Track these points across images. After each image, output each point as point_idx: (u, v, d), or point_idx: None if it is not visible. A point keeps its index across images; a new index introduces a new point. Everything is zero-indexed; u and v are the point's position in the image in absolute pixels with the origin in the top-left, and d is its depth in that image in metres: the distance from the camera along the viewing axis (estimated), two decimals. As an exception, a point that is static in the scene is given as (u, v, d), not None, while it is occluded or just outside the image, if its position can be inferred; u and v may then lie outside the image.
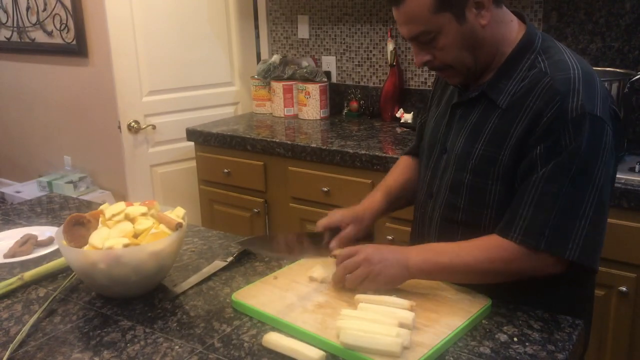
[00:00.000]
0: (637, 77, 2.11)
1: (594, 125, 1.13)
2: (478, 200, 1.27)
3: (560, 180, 1.13)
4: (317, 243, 1.38)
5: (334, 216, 1.41)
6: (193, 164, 3.07)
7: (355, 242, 1.40)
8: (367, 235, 1.46)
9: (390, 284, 1.22)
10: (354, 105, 3.11)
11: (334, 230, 1.40)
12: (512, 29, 1.26)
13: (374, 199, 1.50)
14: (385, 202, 1.50)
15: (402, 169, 1.60)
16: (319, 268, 1.35)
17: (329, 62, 3.22)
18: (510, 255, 1.17)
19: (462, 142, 1.29)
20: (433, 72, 2.89)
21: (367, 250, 1.24)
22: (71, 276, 1.40)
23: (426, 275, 1.23)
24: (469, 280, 1.23)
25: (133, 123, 3.01)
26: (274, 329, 1.16)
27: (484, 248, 1.20)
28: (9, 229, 1.73)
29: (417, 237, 1.48)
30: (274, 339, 1.10)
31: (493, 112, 1.24)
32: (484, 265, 1.19)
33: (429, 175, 1.41)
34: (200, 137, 2.94)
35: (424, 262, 1.21)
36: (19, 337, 1.15)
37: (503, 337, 1.13)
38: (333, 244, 1.38)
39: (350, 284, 1.23)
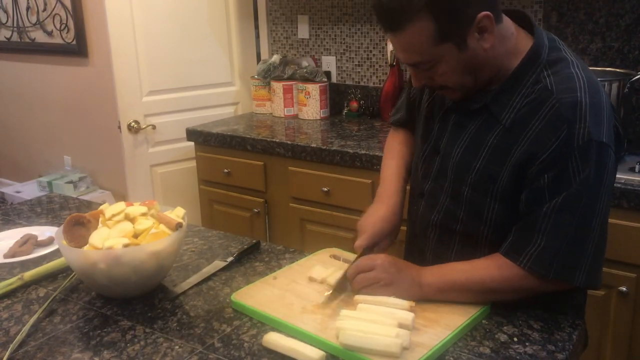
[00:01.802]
0: (637, 77, 2.11)
1: (600, 152, 1.12)
2: (476, 214, 1.26)
3: (571, 211, 1.13)
4: None
5: (374, 235, 1.38)
6: (193, 164, 3.07)
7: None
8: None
9: (402, 296, 1.19)
10: (354, 105, 3.11)
11: (372, 246, 1.38)
12: (515, 41, 1.20)
13: (396, 194, 1.47)
14: (404, 192, 1.49)
15: (403, 142, 1.57)
16: (319, 268, 1.35)
17: (329, 62, 3.22)
18: (520, 277, 1.18)
19: (460, 152, 1.27)
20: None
21: (385, 258, 1.24)
22: (71, 276, 1.40)
23: (440, 294, 1.22)
24: (480, 299, 1.21)
25: (133, 123, 3.01)
26: (274, 329, 1.16)
27: (496, 267, 1.19)
28: (9, 229, 1.74)
29: (412, 235, 1.47)
30: (274, 339, 1.10)
31: (495, 128, 1.21)
32: (499, 284, 1.19)
33: (420, 173, 1.40)
34: (200, 137, 2.94)
35: (438, 281, 1.21)
36: (19, 337, 1.15)
37: (503, 337, 1.13)
38: None
39: (358, 283, 1.22)
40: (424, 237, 1.40)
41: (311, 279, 1.33)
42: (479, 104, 1.24)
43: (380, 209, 1.44)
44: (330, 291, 1.25)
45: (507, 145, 1.19)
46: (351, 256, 1.43)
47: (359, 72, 3.15)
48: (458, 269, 1.23)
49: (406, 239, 1.52)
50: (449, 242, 1.33)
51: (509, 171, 1.18)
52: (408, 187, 1.52)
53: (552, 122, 1.13)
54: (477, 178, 1.24)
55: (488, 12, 1.11)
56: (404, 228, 1.49)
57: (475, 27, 1.12)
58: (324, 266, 1.37)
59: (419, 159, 1.41)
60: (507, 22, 1.20)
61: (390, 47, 2.91)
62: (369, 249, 1.37)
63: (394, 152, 1.58)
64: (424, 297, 1.21)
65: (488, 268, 1.20)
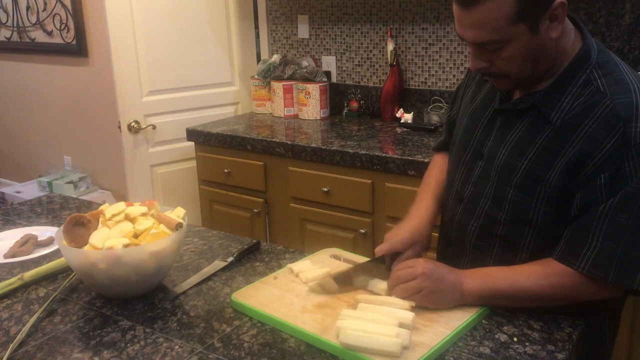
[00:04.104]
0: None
1: None
2: (520, 217, 1.22)
3: (628, 211, 1.10)
4: (378, 268, 1.32)
5: (394, 243, 1.34)
6: (193, 164, 3.07)
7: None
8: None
9: (442, 304, 1.19)
10: (354, 105, 3.11)
11: (393, 255, 1.34)
12: (570, 40, 1.20)
13: (426, 210, 1.44)
14: (436, 209, 1.46)
15: (439, 168, 1.54)
16: (304, 262, 1.38)
17: (329, 62, 3.22)
18: (574, 282, 1.15)
19: (505, 154, 1.24)
20: (433, 73, 2.89)
21: (426, 264, 1.21)
22: (71, 276, 1.40)
23: (482, 300, 1.20)
24: (527, 305, 1.20)
25: (133, 123, 3.01)
26: (284, 325, 1.16)
27: (544, 275, 1.17)
28: (9, 229, 1.74)
29: (445, 244, 1.44)
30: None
31: (544, 128, 1.19)
32: (546, 292, 1.17)
33: (459, 179, 1.36)
34: (200, 137, 2.94)
35: (481, 288, 1.19)
36: (19, 337, 1.15)
37: (503, 337, 1.13)
38: None
39: (401, 292, 1.19)
40: (460, 245, 1.36)
41: (290, 270, 1.36)
42: (527, 103, 1.22)
43: (409, 222, 1.41)
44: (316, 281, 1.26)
45: (557, 146, 1.16)
46: (352, 256, 1.43)
47: (359, 72, 3.15)
48: (502, 276, 1.20)
49: (438, 250, 1.50)
50: (487, 249, 1.30)
51: (559, 172, 1.16)
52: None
53: (606, 121, 1.11)
54: (523, 179, 1.21)
55: (564, 0, 1.10)
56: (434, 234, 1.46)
57: (549, 13, 1.11)
58: (312, 262, 1.39)
59: (457, 166, 1.38)
60: (567, 20, 1.20)
61: (390, 47, 2.90)
62: (390, 257, 1.33)
63: (430, 177, 1.55)
64: (465, 303, 1.20)
65: (533, 276, 1.17)
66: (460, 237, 1.36)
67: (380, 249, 1.33)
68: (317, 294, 1.25)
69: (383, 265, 1.32)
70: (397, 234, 1.37)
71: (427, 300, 1.18)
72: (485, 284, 1.19)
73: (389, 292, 1.23)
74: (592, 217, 1.13)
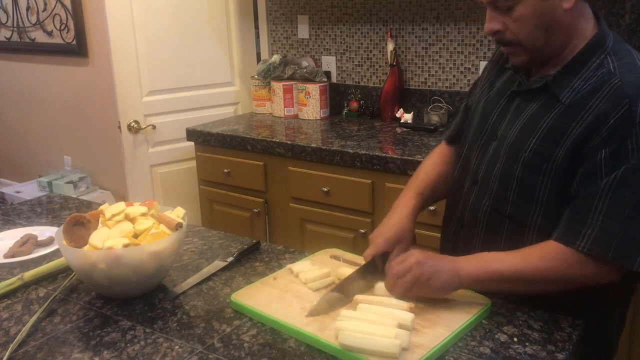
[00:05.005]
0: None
1: None
2: (527, 194, 1.24)
3: (630, 187, 1.10)
4: (371, 273, 1.31)
5: (379, 244, 1.35)
6: (193, 164, 3.07)
7: None
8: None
9: (441, 290, 1.19)
10: (354, 105, 3.11)
11: (383, 255, 1.35)
12: (589, 26, 1.23)
13: (406, 205, 1.45)
14: (417, 204, 1.47)
15: (434, 162, 1.55)
16: (303, 263, 1.38)
17: (329, 62, 3.22)
18: (573, 263, 1.15)
19: (515, 133, 1.27)
20: (433, 73, 2.89)
21: (418, 254, 1.21)
22: (71, 276, 1.40)
23: (479, 284, 1.20)
24: (524, 289, 1.20)
25: (133, 123, 3.01)
26: (283, 326, 1.16)
27: (541, 256, 1.17)
28: (9, 229, 1.74)
29: (458, 225, 1.43)
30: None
31: (553, 107, 1.21)
32: (543, 273, 1.16)
33: (475, 160, 1.37)
34: (200, 137, 2.94)
35: (476, 270, 1.19)
36: (19, 337, 1.15)
37: (503, 337, 1.13)
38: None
39: (400, 288, 1.20)
40: (473, 226, 1.37)
41: (290, 271, 1.35)
42: (541, 82, 1.25)
43: (390, 220, 1.42)
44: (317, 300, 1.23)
45: (565, 124, 1.18)
46: (352, 257, 1.43)
47: (359, 72, 3.15)
48: (498, 259, 1.20)
49: (450, 233, 1.48)
50: (497, 229, 1.30)
51: (566, 150, 1.17)
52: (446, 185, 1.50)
53: (613, 98, 1.13)
54: (530, 157, 1.23)
55: None
56: (430, 233, 1.45)
57: None
58: (312, 263, 1.39)
59: (473, 149, 1.39)
60: (589, 8, 1.24)
61: (390, 47, 2.90)
62: (381, 258, 1.34)
63: (420, 171, 1.56)
64: (464, 287, 1.20)
65: (531, 257, 1.17)
66: (473, 219, 1.37)
67: (368, 253, 1.35)
68: (322, 310, 1.20)
69: (376, 269, 1.32)
70: (380, 234, 1.38)
71: (426, 288, 1.18)
72: (482, 267, 1.19)
73: (390, 292, 1.22)
74: (593, 195, 1.13)
